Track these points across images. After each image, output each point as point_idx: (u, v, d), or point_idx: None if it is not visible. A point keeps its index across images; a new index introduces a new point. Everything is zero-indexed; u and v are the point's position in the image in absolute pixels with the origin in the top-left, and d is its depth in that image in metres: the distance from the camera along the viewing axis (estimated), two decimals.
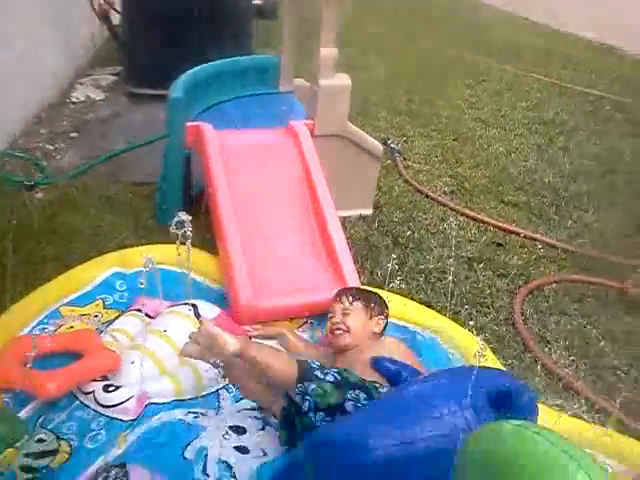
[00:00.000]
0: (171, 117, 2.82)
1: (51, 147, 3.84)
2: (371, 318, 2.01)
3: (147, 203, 3.16)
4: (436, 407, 1.36)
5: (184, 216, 2.01)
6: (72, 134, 4.07)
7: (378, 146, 3.18)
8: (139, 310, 2.19)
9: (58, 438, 1.69)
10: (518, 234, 3.21)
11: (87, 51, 5.53)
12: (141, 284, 1.90)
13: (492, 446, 1.10)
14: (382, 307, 2.06)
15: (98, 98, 4.76)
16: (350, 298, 2.03)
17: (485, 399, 1.38)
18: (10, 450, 1.61)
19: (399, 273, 2.71)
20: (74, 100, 4.67)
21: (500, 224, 3.29)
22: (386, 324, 2.05)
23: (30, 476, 1.59)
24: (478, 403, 1.36)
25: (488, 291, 2.71)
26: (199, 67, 3.15)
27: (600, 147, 4.53)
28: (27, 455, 1.62)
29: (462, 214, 3.39)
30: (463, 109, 5.13)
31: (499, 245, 3.12)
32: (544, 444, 1.04)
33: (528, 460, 1.04)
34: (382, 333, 2.03)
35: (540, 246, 3.11)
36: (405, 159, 4.03)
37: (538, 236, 3.20)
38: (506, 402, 1.41)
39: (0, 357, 1.85)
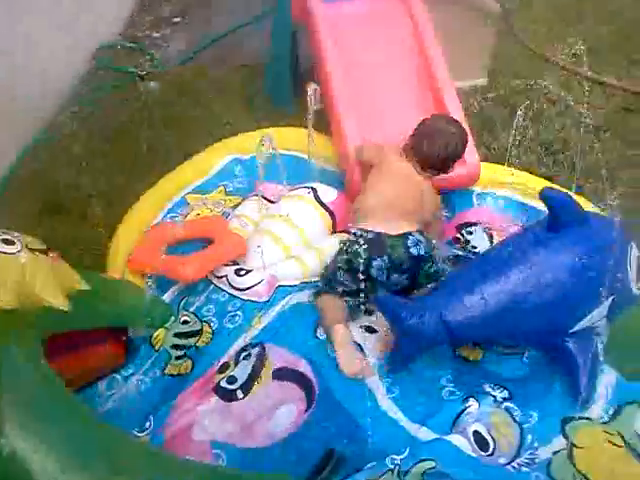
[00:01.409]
0: None
1: (157, 34, 3.84)
2: None
3: (256, 86, 3.12)
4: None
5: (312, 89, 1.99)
6: (175, 19, 4.03)
7: (495, 5, 2.93)
8: (261, 196, 2.23)
9: (200, 320, 1.83)
10: None
11: None
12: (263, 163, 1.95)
13: None
14: None
15: None
16: None
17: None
18: (161, 330, 1.77)
19: (519, 146, 2.57)
20: None
21: (630, 86, 2.99)
22: None
23: (181, 353, 1.74)
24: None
25: (617, 161, 2.52)
26: None
27: None
28: (176, 335, 1.77)
29: (586, 78, 3.11)
30: None
31: (629, 110, 2.86)
32: None
33: None
34: None
35: None
36: (520, 19, 3.70)
37: None
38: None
39: (141, 245, 1.98)
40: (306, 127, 2.27)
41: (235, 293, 1.89)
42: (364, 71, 2.43)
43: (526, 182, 2.26)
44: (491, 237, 2.08)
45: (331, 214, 2.11)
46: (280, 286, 1.91)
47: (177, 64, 3.41)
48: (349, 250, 1.79)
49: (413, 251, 1.77)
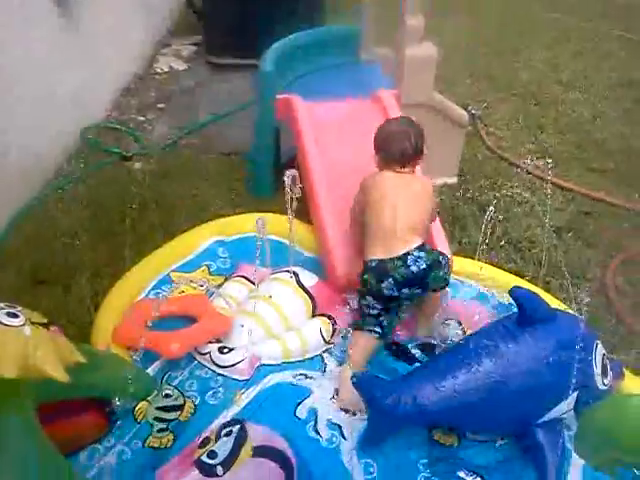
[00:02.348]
0: (262, 90, 2.91)
1: (142, 118, 4.02)
2: None
3: (236, 173, 3.28)
4: None
5: (290, 176, 2.13)
6: (159, 105, 4.23)
7: (463, 114, 3.18)
8: (243, 276, 2.32)
9: (182, 394, 1.86)
10: (607, 202, 3.17)
11: (165, 22, 5.65)
12: (258, 244, 2.08)
13: (616, 419, 1.16)
14: None
15: (181, 68, 4.90)
16: None
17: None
18: (144, 402, 1.79)
19: (487, 243, 2.74)
20: (158, 71, 4.83)
21: (588, 192, 3.25)
22: None
23: (164, 426, 1.76)
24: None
25: (578, 262, 2.71)
26: (285, 39, 3.20)
27: None
28: (158, 408, 1.80)
29: (548, 181, 3.35)
30: (544, 71, 5.02)
31: (587, 214, 3.10)
32: None
33: None
34: None
35: (630, 215, 3.07)
36: (486, 125, 4.01)
37: (627, 204, 3.15)
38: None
39: (126, 319, 2.02)
40: (287, 214, 2.39)
41: (218, 370, 1.93)
42: (342, 166, 2.59)
43: (495, 277, 2.39)
44: (463, 328, 2.19)
45: (311, 298, 2.20)
46: (262, 365, 1.97)
47: (161, 148, 3.55)
48: (364, 278, 2.03)
49: (414, 269, 1.96)
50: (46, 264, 2.51)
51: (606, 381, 1.78)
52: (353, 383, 1.75)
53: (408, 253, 1.98)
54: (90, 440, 1.71)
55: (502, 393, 1.70)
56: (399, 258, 1.98)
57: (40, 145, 3.13)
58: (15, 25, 2.96)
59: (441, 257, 2.02)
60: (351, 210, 2.28)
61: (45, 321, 1.36)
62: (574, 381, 1.66)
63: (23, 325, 1.27)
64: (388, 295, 1.99)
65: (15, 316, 1.29)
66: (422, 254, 1.98)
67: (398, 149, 2.19)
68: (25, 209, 2.90)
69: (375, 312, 2.03)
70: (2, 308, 1.27)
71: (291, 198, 2.19)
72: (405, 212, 2.06)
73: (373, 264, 2.01)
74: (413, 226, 2.05)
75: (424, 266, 1.96)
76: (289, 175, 2.13)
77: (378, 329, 2.02)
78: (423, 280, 1.98)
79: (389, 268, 1.97)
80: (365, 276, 2.02)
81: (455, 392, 1.70)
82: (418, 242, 2.01)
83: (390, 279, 1.96)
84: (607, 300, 2.51)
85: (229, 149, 3.56)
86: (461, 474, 1.71)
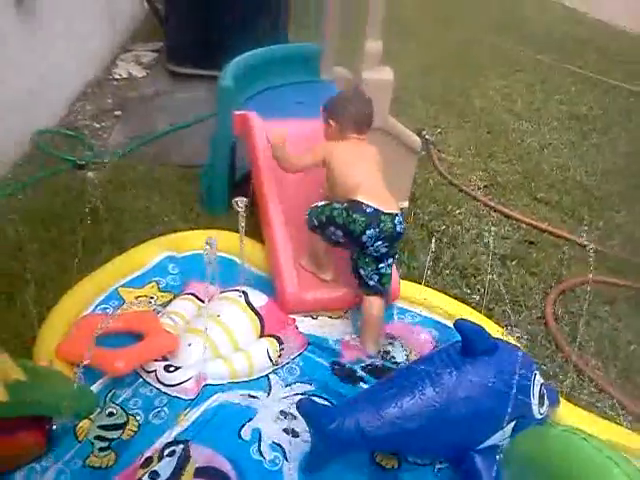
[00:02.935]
0: (220, 105, 2.91)
1: (97, 125, 3.97)
2: None
3: (192, 186, 3.27)
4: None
5: (242, 203, 2.16)
6: (116, 112, 4.18)
7: (417, 140, 3.25)
8: (192, 294, 2.32)
9: (126, 413, 1.85)
10: (550, 233, 3.29)
11: (127, 27, 5.61)
12: (209, 263, 2.06)
13: (539, 448, 1.22)
14: None
15: (140, 75, 4.87)
16: None
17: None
18: (86, 421, 1.77)
19: (435, 268, 2.81)
20: (116, 77, 4.78)
21: (533, 222, 3.37)
22: None
23: (105, 445, 1.74)
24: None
25: (521, 290, 2.80)
26: (246, 54, 3.22)
27: (634, 145, 4.55)
28: (100, 427, 1.78)
29: (495, 210, 3.47)
30: (497, 100, 5.17)
31: (532, 243, 3.20)
32: (589, 449, 1.15)
33: (574, 464, 1.15)
34: None
35: (571, 246, 3.19)
36: (439, 151, 4.11)
37: (569, 236, 3.27)
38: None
39: (71, 335, 2.00)
40: (238, 232, 2.41)
41: (163, 389, 1.93)
42: (295, 185, 2.65)
43: (441, 303, 2.46)
44: (408, 351, 2.24)
45: (260, 318, 2.22)
46: (207, 385, 1.97)
47: (116, 157, 3.51)
48: (349, 214, 2.17)
49: (398, 229, 2.21)
50: None
51: (542, 410, 1.85)
52: (297, 408, 1.77)
53: (397, 214, 2.22)
54: (28, 459, 1.67)
55: (443, 420, 1.75)
56: (391, 215, 2.19)
57: None
58: None
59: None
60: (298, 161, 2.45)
61: None
62: (512, 410, 1.72)
63: None
64: (363, 241, 2.17)
65: None
66: (402, 219, 2.24)
67: (365, 113, 2.42)
68: None
69: (338, 240, 2.25)
70: None
71: (241, 223, 2.22)
72: (379, 173, 2.33)
73: (369, 210, 2.16)
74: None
75: (402, 230, 2.22)
76: (240, 201, 2.16)
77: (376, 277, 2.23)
78: (395, 241, 2.24)
79: (381, 220, 2.16)
80: (355, 215, 2.16)
81: (398, 418, 1.74)
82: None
83: (377, 230, 2.16)
84: (546, 328, 2.60)
85: (185, 161, 3.55)
86: None
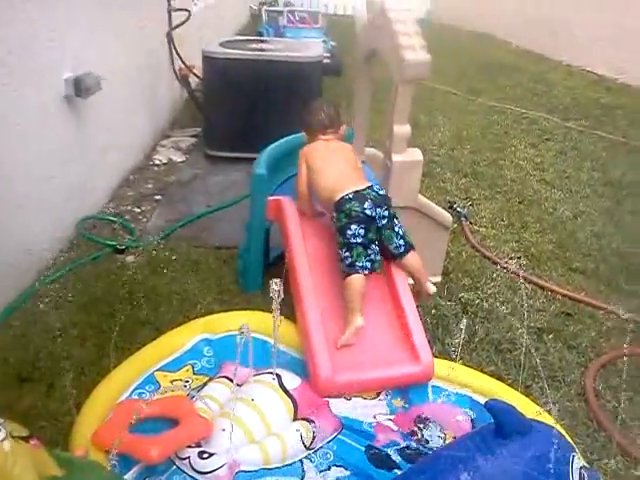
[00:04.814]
0: (255, 193, 3.02)
1: (138, 210, 4.13)
2: None
3: (228, 267, 3.36)
4: None
5: (277, 285, 2.20)
6: (156, 196, 4.36)
7: (448, 217, 3.30)
8: (226, 377, 2.35)
9: None
10: (587, 304, 3.24)
11: (167, 114, 5.91)
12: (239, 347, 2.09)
13: None
14: None
15: (179, 160, 5.08)
16: None
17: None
18: None
19: (470, 344, 2.79)
20: (157, 162, 5.00)
21: (569, 293, 3.33)
22: None
23: None
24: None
25: (559, 364, 2.74)
26: (278, 142, 3.37)
27: None
28: None
29: (530, 282, 3.45)
30: (528, 170, 5.21)
31: (568, 315, 3.15)
32: None
33: None
34: None
35: (610, 316, 3.13)
36: (471, 223, 4.14)
37: (608, 306, 3.21)
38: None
39: (108, 421, 2.04)
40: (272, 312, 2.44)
41: (196, 476, 1.92)
42: (328, 265, 2.69)
43: (476, 380, 2.42)
44: (444, 434, 2.21)
45: (294, 401, 2.22)
46: (240, 471, 1.97)
47: (155, 241, 3.64)
48: (346, 208, 2.53)
49: (382, 192, 2.63)
50: (31, 361, 2.52)
51: None
52: None
53: (370, 186, 2.61)
54: None
55: None
56: (368, 187, 2.60)
57: (33, 236, 3.20)
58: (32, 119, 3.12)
59: None
60: (299, 184, 2.83)
61: (25, 435, 1.39)
62: None
63: (3, 440, 1.30)
64: (370, 215, 2.51)
65: None
66: (378, 185, 2.69)
67: (318, 119, 2.87)
68: (14, 304, 2.92)
69: (361, 240, 2.50)
70: None
71: (276, 304, 2.26)
72: (349, 164, 2.74)
73: (351, 195, 2.55)
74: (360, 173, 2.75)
75: (384, 192, 2.65)
76: (275, 282, 2.20)
77: (368, 264, 2.49)
78: (387, 201, 2.60)
79: (365, 194, 2.56)
80: (348, 205, 2.52)
81: None
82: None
83: (369, 201, 2.53)
84: (586, 405, 2.53)
85: (219, 242, 3.66)
86: None
